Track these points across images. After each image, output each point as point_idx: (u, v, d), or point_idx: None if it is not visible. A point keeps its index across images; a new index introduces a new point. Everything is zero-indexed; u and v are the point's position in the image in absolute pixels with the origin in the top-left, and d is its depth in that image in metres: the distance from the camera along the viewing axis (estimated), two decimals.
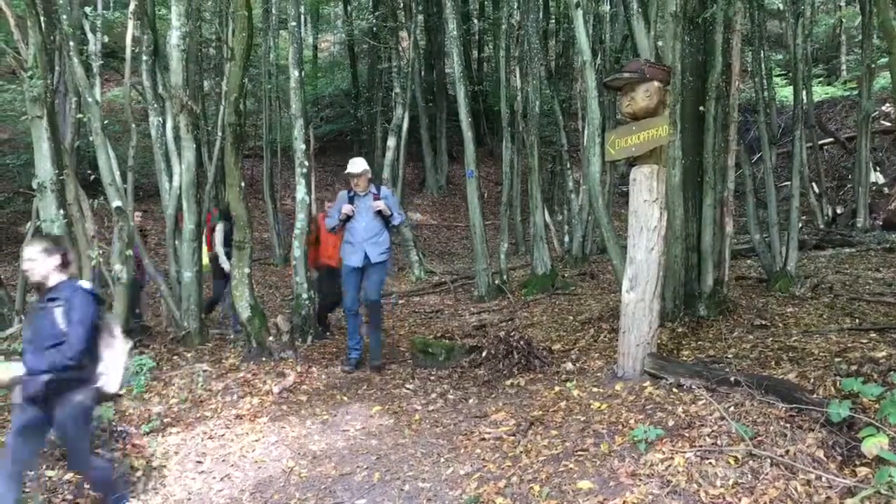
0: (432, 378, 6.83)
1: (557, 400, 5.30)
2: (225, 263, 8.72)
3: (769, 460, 3.62)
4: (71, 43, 7.27)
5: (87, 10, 9.13)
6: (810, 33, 15.17)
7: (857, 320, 6.95)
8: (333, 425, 5.63)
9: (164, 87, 8.72)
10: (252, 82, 18.06)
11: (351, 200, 7.12)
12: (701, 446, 3.91)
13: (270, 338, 7.37)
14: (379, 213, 7.04)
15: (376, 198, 7.05)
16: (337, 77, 28.06)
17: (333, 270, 8.41)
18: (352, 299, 7.13)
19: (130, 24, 8.47)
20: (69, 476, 4.69)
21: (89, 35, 9.32)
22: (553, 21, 20.56)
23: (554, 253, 13.59)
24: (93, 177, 8.08)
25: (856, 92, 17.00)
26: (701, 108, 7.28)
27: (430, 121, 23.16)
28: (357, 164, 7.09)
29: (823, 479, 3.43)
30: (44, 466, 4.82)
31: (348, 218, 7.05)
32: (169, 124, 8.51)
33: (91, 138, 7.61)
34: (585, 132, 10.55)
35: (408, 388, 6.54)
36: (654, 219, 5.25)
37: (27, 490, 4.22)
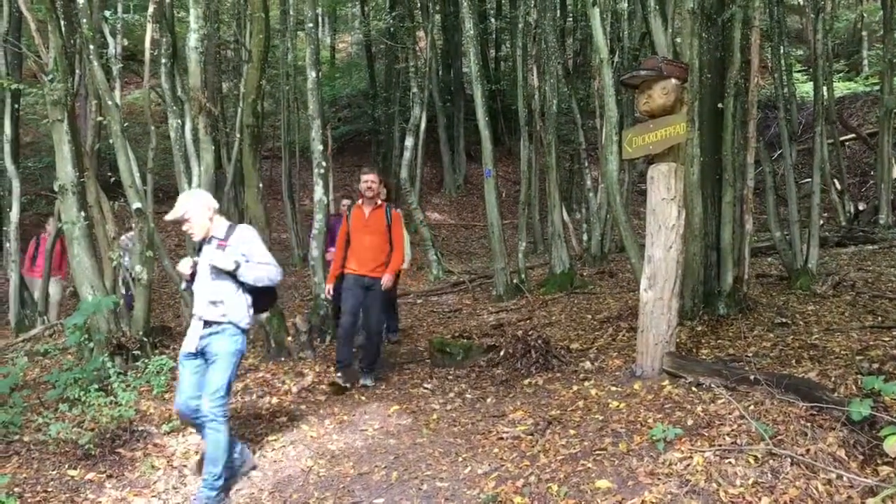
0: (450, 377, 6.84)
1: (575, 399, 5.29)
2: None
3: (789, 459, 3.59)
4: (91, 46, 7.35)
5: (107, 13, 9.22)
6: (831, 28, 15.02)
7: (879, 318, 6.88)
8: (352, 425, 5.65)
9: (182, 89, 8.80)
10: (270, 84, 18.16)
11: (200, 249, 4.73)
12: (720, 445, 3.88)
13: (289, 338, 7.41)
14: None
15: (221, 245, 4.58)
16: (354, 77, 28.13)
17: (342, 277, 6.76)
18: (182, 402, 4.50)
19: (149, 27, 8.55)
20: (91, 475, 4.75)
21: (109, 38, 9.41)
22: (570, 19, 20.55)
23: (572, 252, 13.52)
24: (113, 179, 8.17)
25: (877, 87, 16.80)
26: (719, 105, 7.23)
27: (448, 120, 23.17)
28: (177, 206, 4.57)
29: (844, 478, 3.40)
30: (66, 466, 4.89)
31: (193, 276, 4.65)
32: (188, 126, 8.58)
33: (111, 141, 7.68)
34: (603, 130, 10.52)
35: (426, 388, 6.55)
36: (673, 217, 5.22)
37: None
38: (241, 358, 4.64)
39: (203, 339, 4.49)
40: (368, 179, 6.67)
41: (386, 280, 6.62)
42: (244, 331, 4.60)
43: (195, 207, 4.54)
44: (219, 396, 4.38)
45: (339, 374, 6.52)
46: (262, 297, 4.73)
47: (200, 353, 4.52)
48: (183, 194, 4.75)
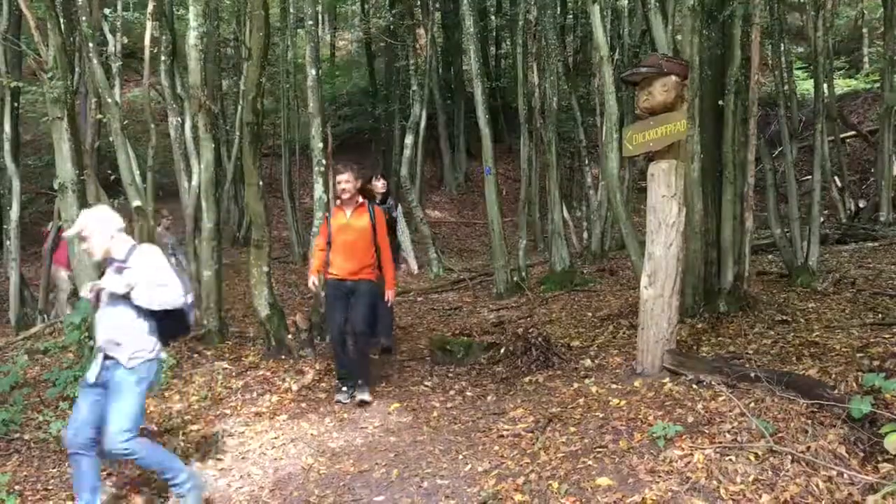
0: (451, 375, 6.84)
1: (576, 397, 5.29)
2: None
3: (790, 457, 3.59)
4: (91, 44, 7.36)
5: (107, 11, 9.22)
6: (831, 25, 14.97)
7: (879, 315, 6.87)
8: (352, 422, 5.65)
9: (182, 87, 8.80)
10: (270, 81, 18.15)
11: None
12: (721, 443, 3.88)
13: (289, 336, 7.41)
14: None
15: (119, 267, 4.16)
16: (354, 75, 28.11)
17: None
18: (73, 431, 4.09)
19: (149, 24, 8.55)
20: None
21: (109, 36, 9.41)
22: (570, 17, 20.51)
23: (573, 249, 13.54)
24: (113, 177, 8.17)
25: (878, 84, 16.79)
26: (720, 102, 7.22)
27: (448, 118, 23.16)
28: (77, 222, 4.29)
29: (845, 475, 3.40)
30: (66, 464, 4.88)
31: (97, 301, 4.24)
32: (188, 124, 8.58)
33: (111, 139, 7.68)
34: (603, 128, 10.52)
35: (426, 386, 6.55)
36: (673, 214, 5.21)
37: None
38: (147, 387, 4.21)
39: (104, 370, 4.11)
40: (342, 180, 6.13)
41: (390, 296, 6.38)
42: (150, 360, 4.18)
43: (94, 225, 4.18)
44: (124, 431, 3.98)
45: (344, 389, 6.17)
46: (169, 323, 4.27)
47: (102, 385, 4.12)
48: (85, 210, 4.39)
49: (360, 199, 6.28)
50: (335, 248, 6.19)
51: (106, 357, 4.13)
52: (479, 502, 3.93)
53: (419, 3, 18.92)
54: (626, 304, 8.38)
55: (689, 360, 5.24)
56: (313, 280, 6.36)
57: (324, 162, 8.92)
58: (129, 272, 4.12)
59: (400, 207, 8.21)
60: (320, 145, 8.94)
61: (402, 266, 8.44)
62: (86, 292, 4.27)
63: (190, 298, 4.30)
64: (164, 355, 4.30)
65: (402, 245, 7.92)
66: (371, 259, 6.22)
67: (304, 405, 6.13)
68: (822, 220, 10.91)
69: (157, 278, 4.15)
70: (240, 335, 8.49)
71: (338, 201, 6.36)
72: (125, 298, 4.09)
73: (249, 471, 4.84)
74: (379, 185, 7.76)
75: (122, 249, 4.22)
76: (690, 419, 4.28)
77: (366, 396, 6.05)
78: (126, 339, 4.10)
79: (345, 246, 6.15)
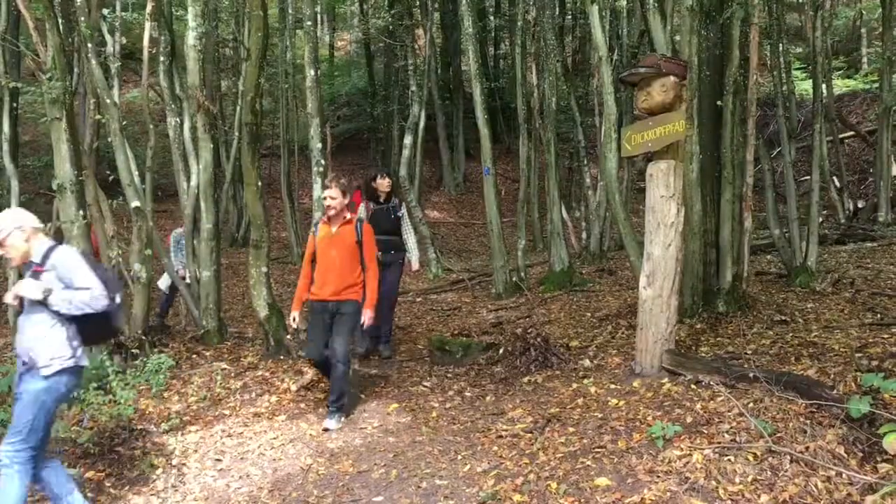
0: (450, 375, 6.84)
1: (575, 397, 5.29)
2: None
3: (789, 457, 3.59)
4: (89, 45, 7.35)
5: (105, 11, 9.20)
6: (830, 26, 15.00)
7: (878, 315, 6.87)
8: (351, 423, 5.65)
9: (181, 87, 8.78)
10: (269, 82, 18.18)
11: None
12: (719, 443, 3.89)
13: (288, 336, 7.41)
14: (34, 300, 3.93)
15: (37, 271, 3.95)
16: (353, 76, 28.13)
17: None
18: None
19: (147, 25, 8.53)
20: (90, 474, 4.74)
21: (107, 36, 9.39)
22: (569, 17, 20.54)
23: (571, 249, 13.52)
24: (112, 177, 8.16)
25: (876, 85, 16.81)
26: (718, 102, 7.22)
27: (447, 118, 23.17)
28: None
29: (844, 475, 3.40)
30: (65, 464, 4.88)
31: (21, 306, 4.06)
32: (186, 124, 8.56)
33: (110, 139, 7.68)
34: (602, 128, 10.52)
35: (425, 386, 6.55)
36: (671, 215, 5.22)
37: None
38: (57, 400, 3.96)
39: (21, 379, 3.90)
40: (328, 196, 5.88)
41: (367, 318, 5.87)
42: (67, 368, 3.91)
43: (10, 227, 3.92)
44: (17, 439, 3.77)
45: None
46: (92, 327, 4.03)
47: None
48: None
49: (348, 215, 6.00)
50: (319, 264, 5.93)
51: (24, 364, 3.93)
52: (477, 503, 3.93)
53: (418, 3, 18.94)
54: (625, 305, 8.38)
55: (688, 360, 5.24)
56: (294, 316, 6.06)
57: (323, 162, 8.94)
58: (48, 275, 3.93)
59: (404, 206, 8.14)
60: (319, 146, 8.94)
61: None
62: (9, 298, 4.01)
63: (118, 299, 4.07)
64: (86, 362, 4.10)
65: (406, 244, 7.83)
66: (357, 278, 5.89)
67: (302, 405, 6.12)
68: (820, 220, 10.91)
69: (80, 281, 3.93)
70: (238, 336, 8.48)
71: (325, 216, 6.10)
72: (42, 304, 3.88)
73: (248, 471, 4.84)
74: (384, 183, 7.71)
75: (39, 251, 3.99)
76: (689, 419, 4.28)
77: (331, 424, 5.59)
78: (42, 345, 3.87)
79: (329, 262, 5.86)
